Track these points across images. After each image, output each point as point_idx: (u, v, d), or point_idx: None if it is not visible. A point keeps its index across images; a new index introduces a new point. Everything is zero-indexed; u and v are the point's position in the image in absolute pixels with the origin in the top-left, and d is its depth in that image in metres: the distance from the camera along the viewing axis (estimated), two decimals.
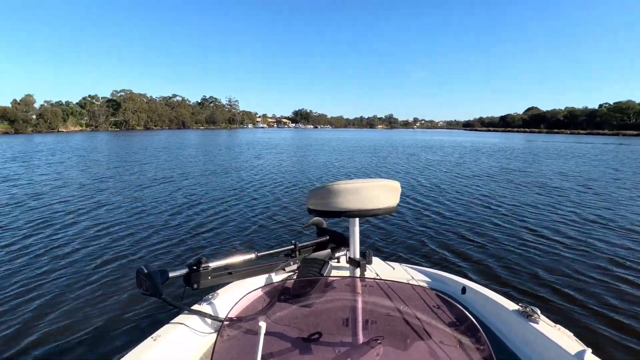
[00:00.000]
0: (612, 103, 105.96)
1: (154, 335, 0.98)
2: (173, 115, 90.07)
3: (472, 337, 0.68)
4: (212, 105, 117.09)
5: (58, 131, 53.44)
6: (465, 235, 4.67)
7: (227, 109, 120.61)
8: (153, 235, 4.69)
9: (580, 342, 0.94)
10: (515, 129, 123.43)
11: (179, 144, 26.20)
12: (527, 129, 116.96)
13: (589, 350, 0.84)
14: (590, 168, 12.75)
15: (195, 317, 1.10)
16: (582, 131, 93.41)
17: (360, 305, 0.85)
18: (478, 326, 0.67)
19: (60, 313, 2.72)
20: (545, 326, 1.01)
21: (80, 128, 61.13)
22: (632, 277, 3.33)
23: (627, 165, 13.94)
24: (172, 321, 1.07)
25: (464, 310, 0.71)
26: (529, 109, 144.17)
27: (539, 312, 1.05)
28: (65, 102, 65.77)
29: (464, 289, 1.37)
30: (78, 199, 6.97)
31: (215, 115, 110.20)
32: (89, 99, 71.63)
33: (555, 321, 1.05)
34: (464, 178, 9.73)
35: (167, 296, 0.99)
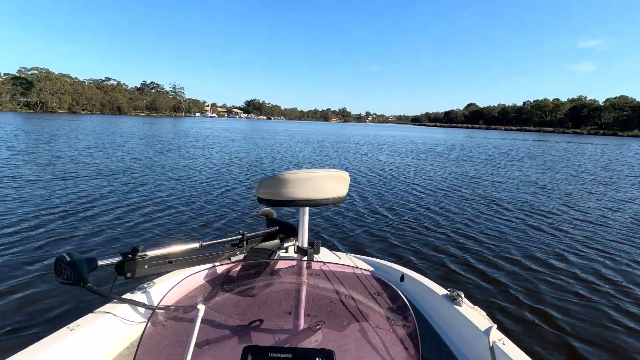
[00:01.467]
0: (532, 101, 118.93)
1: (71, 325, 0.92)
2: (106, 99, 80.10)
3: (404, 321, 0.73)
4: (153, 91, 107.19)
5: None
6: (410, 227, 4.82)
7: (171, 96, 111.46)
8: (82, 225, 4.27)
9: (489, 319, 1.06)
10: (458, 125, 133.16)
11: (112, 131, 22.94)
12: (468, 125, 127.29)
13: (494, 326, 0.98)
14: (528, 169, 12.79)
15: (124, 306, 1.05)
16: (513, 127, 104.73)
17: (304, 292, 0.86)
18: (410, 310, 0.71)
19: None
20: (466, 308, 1.13)
21: None
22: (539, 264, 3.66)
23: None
24: (95, 310, 1.01)
25: (400, 296, 0.74)
26: (468, 105, 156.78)
27: (462, 295, 1.17)
28: None
29: (402, 277, 1.49)
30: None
31: (157, 102, 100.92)
32: None
33: (475, 302, 1.17)
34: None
35: (94, 285, 0.92)
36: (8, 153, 10.21)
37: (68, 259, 0.91)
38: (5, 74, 62.30)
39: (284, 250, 1.48)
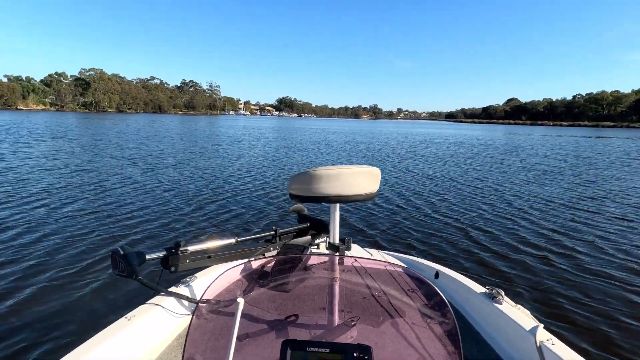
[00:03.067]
0: (584, 94, 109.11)
1: (128, 315, 0.98)
2: (149, 98, 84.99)
3: (442, 318, 0.72)
4: (192, 89, 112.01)
5: (16, 109, 48.60)
6: (445, 224, 4.83)
7: (207, 94, 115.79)
8: (132, 219, 4.62)
9: (534, 319, 1.03)
10: (499, 121, 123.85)
11: (155, 130, 24.41)
12: (510, 121, 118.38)
13: (541, 326, 0.95)
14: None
15: (171, 299, 1.10)
16: (564, 123, 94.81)
17: (337, 287, 0.87)
18: (449, 307, 0.70)
19: (35, 294, 2.77)
20: (508, 306, 1.10)
21: (44, 107, 55.90)
22: (591, 264, 3.52)
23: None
24: (147, 302, 1.07)
25: (436, 293, 0.74)
26: (509, 100, 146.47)
27: (503, 293, 1.14)
28: (26, 77, 59.81)
29: (437, 274, 1.45)
30: (53, 181, 6.74)
31: (195, 100, 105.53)
32: (56, 76, 65.76)
33: (517, 301, 1.14)
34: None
35: (144, 278, 0.99)
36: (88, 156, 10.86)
37: (122, 252, 0.97)
38: (71, 76, 67.55)
39: (316, 247, 1.47)
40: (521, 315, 1.04)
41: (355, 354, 0.60)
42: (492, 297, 1.14)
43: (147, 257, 1.03)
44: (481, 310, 1.17)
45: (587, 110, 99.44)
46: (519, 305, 1.10)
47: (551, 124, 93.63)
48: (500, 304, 1.11)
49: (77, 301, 2.65)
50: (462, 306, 1.27)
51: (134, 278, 0.94)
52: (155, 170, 8.48)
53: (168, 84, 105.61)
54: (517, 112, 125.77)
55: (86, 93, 66.04)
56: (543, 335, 0.92)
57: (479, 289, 1.24)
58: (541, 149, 17.76)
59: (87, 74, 69.97)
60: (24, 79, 58.39)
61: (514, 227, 4.78)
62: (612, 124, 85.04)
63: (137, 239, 3.94)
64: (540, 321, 0.99)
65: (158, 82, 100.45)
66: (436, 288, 0.77)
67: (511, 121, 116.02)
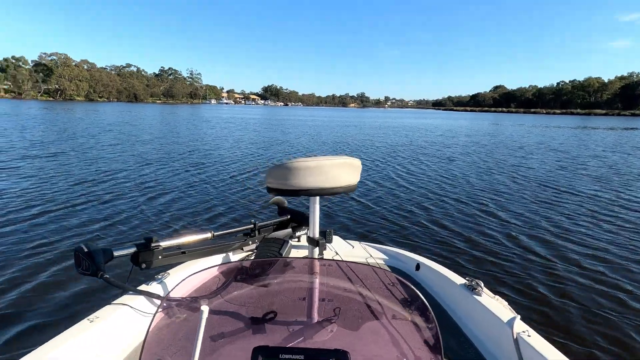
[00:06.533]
0: (567, 81, 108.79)
1: (90, 316, 0.92)
2: (123, 86, 79.11)
3: (421, 311, 0.72)
4: (171, 77, 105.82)
5: None
6: (424, 216, 4.71)
7: (188, 83, 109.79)
8: (98, 214, 4.33)
9: (512, 310, 1.04)
10: (490, 109, 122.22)
11: (123, 120, 22.37)
12: (499, 109, 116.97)
13: (518, 317, 0.95)
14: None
15: (140, 297, 1.05)
16: (556, 111, 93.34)
17: (317, 284, 0.85)
18: (426, 302, 0.70)
19: None
20: (486, 297, 1.10)
21: None
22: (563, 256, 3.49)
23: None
24: (113, 302, 1.01)
25: (415, 288, 0.73)
26: (496, 88, 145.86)
27: (482, 284, 1.14)
28: None
29: (417, 266, 1.43)
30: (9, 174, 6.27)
31: (174, 89, 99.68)
32: (13, 61, 59.36)
33: (495, 292, 1.15)
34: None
35: (110, 277, 0.94)
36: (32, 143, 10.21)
37: (85, 249, 0.92)
38: (32, 61, 61.29)
39: (296, 240, 1.43)
40: (499, 307, 1.04)
41: None
42: (472, 289, 1.13)
43: (115, 254, 0.98)
44: (460, 302, 1.16)
45: (576, 98, 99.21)
46: (497, 297, 1.10)
47: (544, 112, 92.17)
48: (480, 295, 1.10)
49: (35, 302, 2.47)
50: (442, 298, 1.25)
51: (99, 277, 0.90)
52: (124, 162, 7.95)
53: (145, 72, 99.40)
54: (505, 100, 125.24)
55: (49, 80, 60.04)
56: (520, 327, 0.92)
57: (459, 280, 1.22)
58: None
59: (49, 58, 63.72)
60: None
61: (493, 218, 4.68)
62: (603, 112, 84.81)
63: (105, 235, 3.68)
64: (518, 312, 1.00)
65: (134, 69, 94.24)
66: (416, 282, 0.76)
67: (503, 109, 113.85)
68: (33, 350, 0.77)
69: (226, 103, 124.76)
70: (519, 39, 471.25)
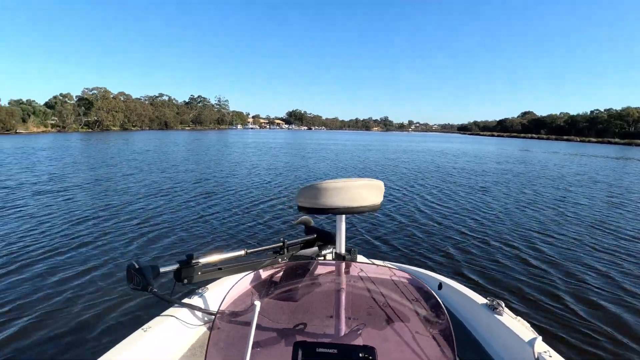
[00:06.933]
0: (602, 109, 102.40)
1: (144, 326, 1.01)
2: (155, 115, 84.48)
3: (443, 328, 0.74)
4: (200, 104, 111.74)
5: (16, 133, 47.89)
6: (446, 235, 5.06)
7: (216, 109, 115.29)
8: (144, 233, 4.87)
9: (534, 331, 1.05)
10: (520, 135, 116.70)
11: (160, 146, 24.54)
12: (528, 135, 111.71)
13: (540, 338, 0.96)
14: None
15: (185, 310, 1.14)
16: (592, 139, 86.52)
17: (344, 297, 0.89)
18: (448, 318, 0.73)
19: (52, 308, 2.92)
20: (508, 318, 1.11)
21: (44, 129, 55.13)
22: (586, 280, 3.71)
23: None
24: (162, 314, 1.10)
25: (439, 303, 0.76)
26: (525, 113, 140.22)
27: (503, 305, 1.16)
28: (27, 100, 59.46)
29: (440, 285, 1.48)
30: (63, 200, 7.01)
31: (202, 116, 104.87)
32: (61, 97, 65.49)
33: (517, 313, 1.17)
34: None
35: (158, 291, 1.02)
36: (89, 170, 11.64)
37: (137, 266, 1.00)
38: (76, 96, 67.29)
39: (322, 258, 1.49)
40: (520, 327, 1.04)
41: (360, 354, 0.64)
42: (493, 309, 1.15)
43: (161, 270, 1.06)
44: (482, 321, 1.17)
45: (612, 127, 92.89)
46: (518, 317, 1.10)
47: (578, 139, 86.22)
48: (501, 315, 1.12)
49: (94, 314, 2.79)
50: (464, 317, 1.27)
51: (148, 291, 0.97)
52: (162, 187, 8.66)
53: (176, 100, 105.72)
54: (535, 126, 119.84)
55: (89, 112, 65.52)
56: (541, 347, 0.93)
57: (480, 300, 1.25)
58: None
59: (91, 93, 69.53)
60: (25, 102, 58.12)
61: (520, 241, 4.84)
62: None
63: (150, 253, 4.14)
64: (540, 333, 1.00)
65: (166, 98, 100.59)
66: (438, 298, 0.78)
67: (533, 135, 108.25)
68: (104, 354, 0.85)
69: (251, 128, 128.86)
70: (546, 65, 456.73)
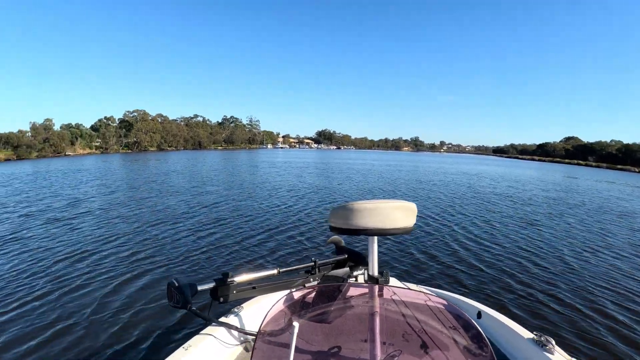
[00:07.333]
0: None
1: (185, 345, 1.04)
2: (189, 135, 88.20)
3: (484, 358, 0.70)
4: (232, 125, 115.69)
5: (65, 155, 51.39)
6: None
7: (247, 129, 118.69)
8: (180, 252, 5.14)
9: None
10: (559, 159, 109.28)
11: (191, 166, 25.43)
12: (573, 160, 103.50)
13: None
14: None
15: (222, 329, 1.17)
16: None
17: (378, 321, 0.86)
18: (491, 349, 0.69)
19: (95, 324, 3.05)
20: (559, 357, 1.03)
21: (90, 151, 58.98)
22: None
23: None
24: (201, 332, 1.13)
25: (479, 332, 0.72)
26: (569, 139, 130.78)
27: (553, 342, 1.08)
28: (75, 124, 64.41)
29: (479, 314, 1.41)
30: (107, 221, 7.36)
31: (234, 135, 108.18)
32: (105, 120, 70.41)
33: (571, 354, 1.07)
34: None
35: (196, 309, 1.04)
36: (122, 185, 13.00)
37: (176, 284, 1.01)
38: (118, 119, 72.00)
39: (354, 279, 1.48)
40: None
41: None
42: (541, 345, 1.07)
43: (199, 288, 1.07)
44: (529, 358, 1.09)
45: None
46: (573, 359, 1.03)
47: (636, 170, 77.70)
48: (552, 353, 1.04)
49: (137, 331, 2.93)
50: (508, 350, 1.18)
51: (188, 309, 0.99)
52: (198, 206, 9.00)
53: (210, 121, 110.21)
54: (581, 152, 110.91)
55: (129, 134, 69.47)
56: None
57: (525, 333, 1.17)
58: None
59: (131, 115, 74.04)
60: (74, 125, 62.87)
61: (570, 273, 4.59)
62: None
63: (186, 271, 4.31)
64: None
65: (200, 119, 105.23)
66: (478, 327, 0.74)
67: (579, 162, 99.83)
68: None
69: (281, 147, 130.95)
70: (593, 89, 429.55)
